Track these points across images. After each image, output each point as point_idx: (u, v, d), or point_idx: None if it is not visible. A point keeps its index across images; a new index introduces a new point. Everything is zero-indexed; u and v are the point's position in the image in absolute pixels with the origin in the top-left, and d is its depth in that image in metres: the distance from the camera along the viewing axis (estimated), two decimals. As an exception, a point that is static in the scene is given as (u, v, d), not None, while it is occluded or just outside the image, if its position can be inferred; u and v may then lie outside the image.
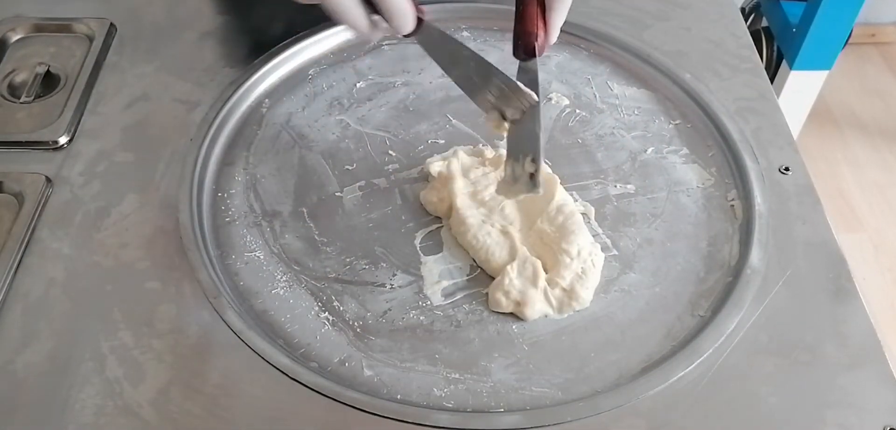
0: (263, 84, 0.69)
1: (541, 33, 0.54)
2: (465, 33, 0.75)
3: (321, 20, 0.75)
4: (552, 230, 0.56)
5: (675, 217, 0.61)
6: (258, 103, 0.68)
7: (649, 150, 0.66)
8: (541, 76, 0.69)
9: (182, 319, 0.52)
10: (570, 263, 0.54)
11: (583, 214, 0.59)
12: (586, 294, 0.54)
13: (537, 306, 0.53)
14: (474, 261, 0.57)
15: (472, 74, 0.54)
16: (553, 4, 0.55)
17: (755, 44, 0.78)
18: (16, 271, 0.54)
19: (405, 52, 0.73)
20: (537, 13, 0.54)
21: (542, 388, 0.50)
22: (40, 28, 0.74)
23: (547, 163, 0.63)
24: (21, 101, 0.67)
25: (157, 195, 0.59)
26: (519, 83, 0.53)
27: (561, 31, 0.56)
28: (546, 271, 0.55)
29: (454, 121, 0.67)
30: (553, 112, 0.69)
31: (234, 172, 0.63)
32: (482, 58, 0.53)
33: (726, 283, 0.56)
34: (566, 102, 0.69)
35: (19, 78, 0.69)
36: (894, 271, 1.68)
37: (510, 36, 0.75)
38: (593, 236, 0.58)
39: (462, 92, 0.69)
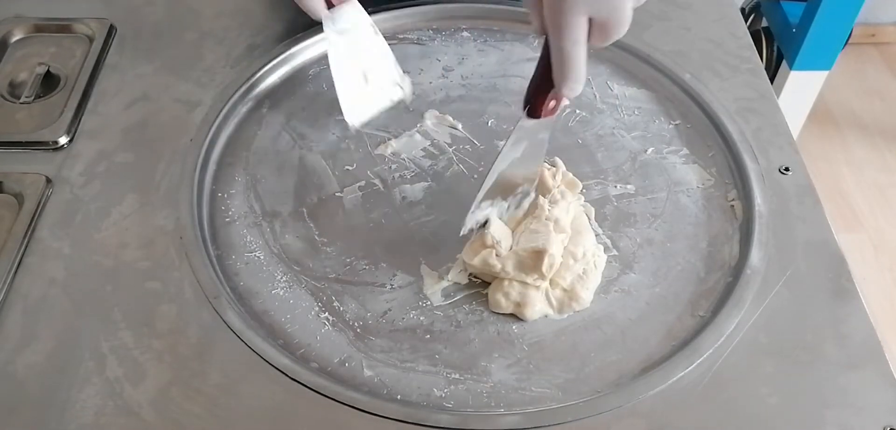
0: (263, 84, 0.69)
1: (549, 102, 0.52)
2: (464, 33, 0.75)
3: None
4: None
5: (675, 217, 0.61)
6: (258, 103, 0.68)
7: (649, 150, 0.66)
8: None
9: (182, 319, 0.52)
10: (573, 264, 0.54)
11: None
12: (586, 295, 0.54)
13: (537, 307, 0.53)
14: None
15: None
16: (559, 79, 0.50)
17: (755, 44, 0.78)
18: (16, 271, 0.54)
19: (405, 53, 0.73)
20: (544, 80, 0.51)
21: (542, 388, 0.50)
22: (40, 28, 0.74)
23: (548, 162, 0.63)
24: (21, 101, 0.67)
25: (157, 195, 0.59)
26: None
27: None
28: (547, 271, 0.55)
29: (454, 122, 0.67)
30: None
31: (234, 172, 0.63)
32: None
33: (726, 283, 0.56)
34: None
35: (19, 78, 0.69)
36: (894, 271, 1.68)
37: (510, 35, 0.75)
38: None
39: (462, 93, 0.70)
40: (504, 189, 0.55)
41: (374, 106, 0.63)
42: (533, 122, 0.53)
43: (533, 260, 0.53)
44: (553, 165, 0.60)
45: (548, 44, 0.49)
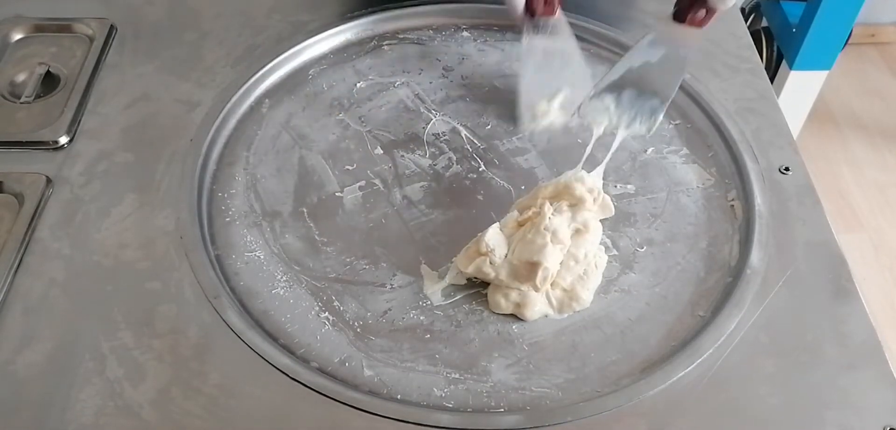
0: (263, 84, 0.69)
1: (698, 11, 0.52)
2: (464, 33, 0.75)
3: (321, 21, 0.75)
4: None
5: (676, 217, 0.61)
6: (258, 103, 0.68)
7: (649, 150, 0.66)
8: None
9: (182, 319, 0.52)
10: (574, 265, 0.54)
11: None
12: (587, 295, 0.54)
13: (537, 307, 0.53)
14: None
15: None
16: None
17: (755, 44, 0.78)
18: (16, 271, 0.54)
19: (405, 52, 0.73)
20: None
21: (542, 388, 0.50)
22: (40, 28, 0.74)
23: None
24: (21, 101, 0.67)
25: (157, 195, 0.59)
26: None
27: None
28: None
29: (454, 122, 0.67)
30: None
31: (234, 172, 0.63)
32: None
33: (726, 283, 0.56)
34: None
35: (19, 78, 0.69)
36: (894, 270, 1.68)
37: (510, 35, 0.75)
38: (593, 236, 0.58)
39: (462, 93, 0.70)
40: (632, 91, 0.54)
41: (549, 120, 0.62)
42: (676, 28, 0.52)
43: (527, 270, 0.52)
44: (580, 179, 0.57)
45: None
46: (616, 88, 0.54)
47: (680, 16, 0.52)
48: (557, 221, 0.54)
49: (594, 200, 0.56)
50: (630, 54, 0.53)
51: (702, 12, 0.51)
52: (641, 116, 0.56)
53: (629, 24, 0.76)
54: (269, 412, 0.48)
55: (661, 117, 0.57)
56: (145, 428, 0.47)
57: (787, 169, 0.63)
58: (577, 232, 0.55)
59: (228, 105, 0.66)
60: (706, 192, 0.62)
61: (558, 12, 0.59)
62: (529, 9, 0.58)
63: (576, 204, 0.56)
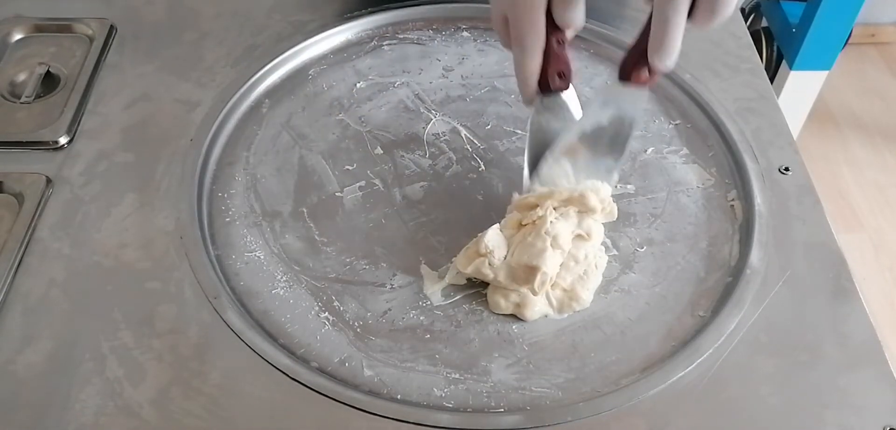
0: (263, 84, 0.69)
1: (641, 71, 0.52)
2: (464, 33, 0.76)
3: (321, 21, 0.75)
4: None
5: (675, 217, 0.61)
6: (258, 103, 0.68)
7: (649, 150, 0.66)
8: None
9: (182, 319, 0.52)
10: (574, 266, 0.54)
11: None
12: (587, 295, 0.54)
13: (537, 307, 0.53)
14: (474, 261, 0.57)
15: None
16: (652, 47, 0.50)
17: (755, 44, 0.78)
18: (16, 271, 0.54)
19: (405, 52, 0.73)
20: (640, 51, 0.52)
21: (542, 388, 0.50)
22: (40, 28, 0.74)
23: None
24: (21, 101, 0.67)
25: (157, 195, 0.59)
26: None
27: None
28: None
29: (454, 122, 0.67)
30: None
31: (234, 172, 0.63)
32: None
33: (726, 283, 0.56)
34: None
35: (19, 78, 0.69)
36: (894, 270, 1.68)
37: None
38: (593, 236, 0.58)
39: (462, 93, 0.70)
40: (587, 152, 0.55)
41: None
42: (623, 88, 0.53)
43: (525, 274, 0.52)
44: (596, 190, 0.56)
45: (651, 14, 0.49)
46: (571, 151, 0.55)
47: (624, 76, 0.52)
48: (560, 226, 0.54)
49: (603, 209, 0.56)
50: (583, 118, 0.54)
51: (645, 72, 0.52)
52: (598, 177, 0.57)
53: (624, 22, 0.76)
54: (269, 412, 0.48)
55: (616, 176, 0.58)
56: (145, 428, 0.47)
57: (787, 169, 0.63)
58: (578, 237, 0.55)
59: (228, 105, 0.66)
60: (706, 192, 0.63)
61: (570, 87, 0.57)
62: (542, 84, 0.55)
63: (585, 212, 0.55)
